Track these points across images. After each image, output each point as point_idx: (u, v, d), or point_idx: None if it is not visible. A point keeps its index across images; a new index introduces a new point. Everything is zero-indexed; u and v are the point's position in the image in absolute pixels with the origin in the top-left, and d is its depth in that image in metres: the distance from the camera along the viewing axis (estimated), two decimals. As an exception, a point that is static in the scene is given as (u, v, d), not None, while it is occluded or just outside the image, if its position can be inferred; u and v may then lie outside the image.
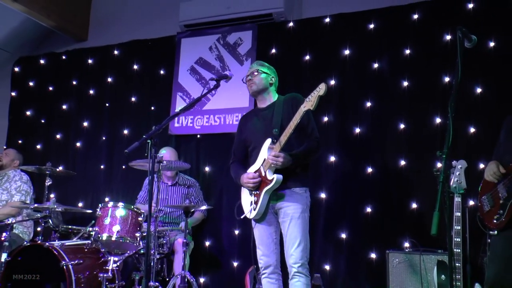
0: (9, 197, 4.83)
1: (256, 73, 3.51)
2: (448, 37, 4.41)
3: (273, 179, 3.18)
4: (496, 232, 2.97)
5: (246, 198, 3.43)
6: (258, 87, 3.50)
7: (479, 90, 4.23)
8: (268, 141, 3.28)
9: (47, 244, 3.78)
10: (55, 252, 3.70)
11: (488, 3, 4.34)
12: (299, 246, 3.19)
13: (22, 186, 4.93)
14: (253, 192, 3.34)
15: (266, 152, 3.25)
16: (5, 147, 6.16)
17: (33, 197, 5.01)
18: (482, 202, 3.09)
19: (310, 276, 3.25)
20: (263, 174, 3.26)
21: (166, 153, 4.77)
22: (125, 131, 5.69)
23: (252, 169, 3.38)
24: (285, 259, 3.26)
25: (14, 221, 4.10)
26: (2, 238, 3.94)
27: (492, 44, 4.23)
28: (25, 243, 4.05)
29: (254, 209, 3.30)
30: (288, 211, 3.24)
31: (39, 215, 4.10)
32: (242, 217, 3.44)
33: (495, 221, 2.93)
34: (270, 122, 3.37)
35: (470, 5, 4.38)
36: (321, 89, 2.99)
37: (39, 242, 3.87)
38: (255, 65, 3.61)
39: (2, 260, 3.82)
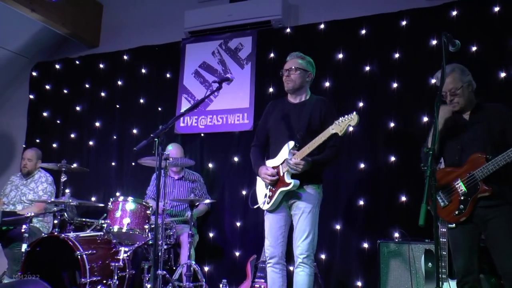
0: (37, 197, 4.85)
1: (293, 69, 3.36)
2: (434, 42, 4.40)
3: (290, 183, 3.14)
4: (454, 225, 2.99)
5: (262, 189, 3.38)
6: (294, 86, 3.38)
7: (462, 90, 4.22)
8: (291, 143, 3.21)
9: (63, 235, 3.79)
10: (70, 243, 3.72)
11: (470, 11, 4.33)
12: (306, 239, 3.18)
13: (48, 187, 4.98)
14: (269, 187, 3.30)
15: (287, 154, 3.18)
16: (24, 145, 6.18)
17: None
18: (436, 198, 3.07)
19: (314, 267, 3.23)
20: (281, 174, 3.21)
21: (173, 149, 4.77)
22: (134, 131, 5.69)
23: (271, 163, 3.32)
24: (293, 250, 3.25)
25: (33, 214, 4.11)
26: (23, 230, 3.95)
27: (474, 48, 4.22)
28: (43, 234, 4.05)
29: (268, 203, 3.28)
30: (300, 205, 3.22)
31: (55, 208, 4.11)
32: (255, 207, 3.41)
33: (455, 215, 2.94)
34: (297, 123, 3.29)
35: (454, 13, 4.37)
36: (353, 119, 2.92)
37: (56, 233, 3.88)
38: (294, 57, 3.42)
39: (23, 250, 3.84)
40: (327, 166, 3.40)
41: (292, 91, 3.43)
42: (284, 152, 3.23)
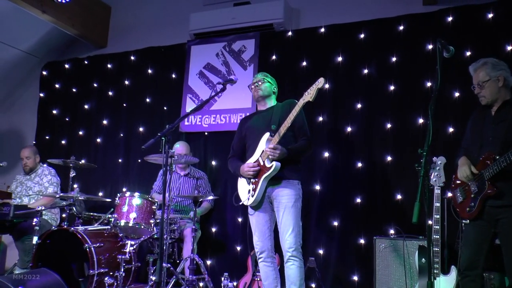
0: (43, 189, 4.89)
1: (262, 81, 3.56)
2: (430, 46, 4.43)
3: (271, 166, 3.21)
4: (468, 221, 3.01)
5: (244, 187, 3.45)
6: (264, 93, 3.56)
7: (456, 94, 4.25)
8: (266, 135, 3.31)
9: (72, 229, 3.83)
10: (79, 236, 3.76)
11: (465, 17, 4.35)
12: (292, 232, 3.22)
13: (52, 179, 5.02)
14: (252, 180, 3.36)
15: (265, 144, 3.28)
16: (34, 142, 6.21)
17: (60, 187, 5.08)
18: (455, 194, 3.12)
19: (303, 259, 3.29)
20: (262, 163, 3.29)
21: (180, 147, 4.81)
22: (141, 129, 5.72)
23: (250, 161, 3.40)
24: (280, 244, 3.29)
25: (43, 208, 4.15)
26: (34, 223, 3.99)
27: (468, 53, 4.25)
28: (53, 228, 4.09)
29: (252, 196, 3.33)
30: (282, 200, 3.27)
31: (64, 203, 4.15)
32: (240, 203, 3.47)
33: (467, 212, 2.97)
34: (269, 121, 3.40)
35: (449, 18, 4.40)
36: (320, 82, 3.05)
37: (65, 227, 3.91)
38: (260, 75, 3.65)
39: (34, 242, 3.89)
40: (302, 155, 3.47)
41: (262, 98, 3.60)
42: (262, 144, 3.33)
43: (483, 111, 3.12)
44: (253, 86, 3.61)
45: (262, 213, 3.39)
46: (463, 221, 3.06)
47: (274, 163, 3.21)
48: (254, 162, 3.35)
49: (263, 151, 3.29)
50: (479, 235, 2.96)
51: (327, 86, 4.80)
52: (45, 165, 5.15)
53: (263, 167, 3.28)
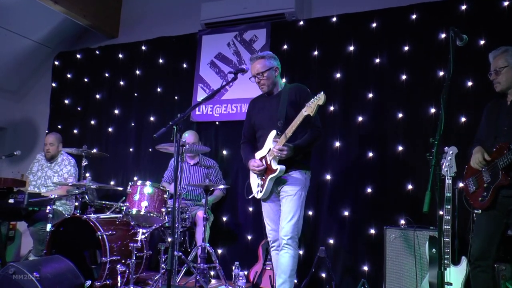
0: (62, 179, 4.94)
1: (261, 75, 3.41)
2: (443, 36, 4.39)
3: (277, 169, 3.19)
4: (480, 211, 2.99)
5: (254, 179, 3.46)
6: (268, 87, 3.46)
7: (469, 83, 4.22)
8: (273, 133, 3.27)
9: (84, 217, 3.86)
10: (91, 224, 3.79)
11: (479, 6, 4.30)
12: (291, 220, 3.17)
13: (72, 170, 5.07)
14: (260, 177, 3.36)
15: (271, 143, 3.25)
16: (47, 131, 6.28)
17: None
18: (468, 184, 3.11)
19: (298, 250, 3.24)
20: (268, 162, 3.28)
21: (189, 136, 4.84)
22: (152, 118, 5.76)
23: (258, 155, 3.40)
24: (278, 231, 3.27)
25: (56, 196, 4.20)
26: (47, 211, 4.05)
27: (482, 42, 4.20)
28: (66, 215, 4.14)
29: (261, 191, 3.34)
30: (286, 189, 3.26)
31: (77, 191, 4.20)
32: (250, 197, 3.48)
33: (480, 201, 2.96)
34: (276, 112, 3.34)
35: (463, 7, 4.35)
36: (320, 98, 2.96)
37: (78, 215, 3.96)
38: (255, 60, 3.45)
39: (48, 230, 3.94)
40: (311, 147, 3.41)
41: (270, 90, 3.49)
42: (269, 142, 3.30)
43: (498, 101, 3.09)
44: (256, 81, 3.47)
45: (272, 204, 3.40)
46: (475, 211, 3.04)
47: (279, 167, 3.19)
48: (261, 159, 3.35)
49: (270, 149, 3.27)
50: (491, 225, 2.93)
51: (338, 75, 4.79)
52: (65, 155, 5.19)
53: (270, 167, 3.26)
